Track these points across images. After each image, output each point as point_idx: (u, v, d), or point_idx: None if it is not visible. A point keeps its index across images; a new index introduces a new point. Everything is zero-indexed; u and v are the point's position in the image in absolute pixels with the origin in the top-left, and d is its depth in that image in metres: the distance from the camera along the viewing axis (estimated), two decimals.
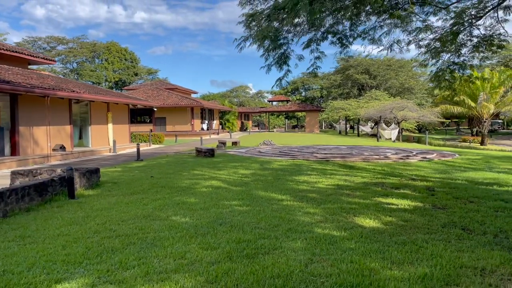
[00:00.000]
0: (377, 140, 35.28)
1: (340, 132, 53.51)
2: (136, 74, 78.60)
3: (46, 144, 18.30)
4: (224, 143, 23.58)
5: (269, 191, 8.56)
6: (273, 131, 62.17)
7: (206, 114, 50.74)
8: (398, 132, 38.20)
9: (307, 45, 13.07)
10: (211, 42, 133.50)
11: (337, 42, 13.38)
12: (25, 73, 19.72)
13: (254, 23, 11.03)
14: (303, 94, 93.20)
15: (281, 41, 10.37)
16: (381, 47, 11.22)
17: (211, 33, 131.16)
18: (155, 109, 31.98)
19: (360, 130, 47.20)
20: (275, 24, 11.34)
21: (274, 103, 72.54)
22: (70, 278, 3.81)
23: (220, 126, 57.14)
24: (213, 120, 53.86)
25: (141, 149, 25.43)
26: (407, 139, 40.22)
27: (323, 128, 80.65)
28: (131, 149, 24.47)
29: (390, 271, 3.91)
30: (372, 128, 45.92)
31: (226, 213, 6.46)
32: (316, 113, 58.91)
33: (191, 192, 8.51)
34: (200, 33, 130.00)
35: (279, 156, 17.10)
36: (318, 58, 14.52)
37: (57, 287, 3.63)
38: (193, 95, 60.80)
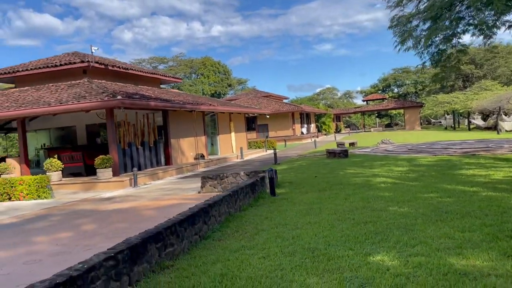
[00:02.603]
0: (497, 133, 33.05)
1: (446, 128, 50.80)
2: (229, 85, 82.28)
3: (189, 154, 20.34)
4: (342, 144, 24.00)
5: (451, 184, 8.87)
6: (370, 131, 60.94)
7: (304, 118, 51.52)
8: None
9: (448, 39, 13.15)
10: (286, 47, 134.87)
11: (479, 33, 13.23)
12: (162, 92, 22.12)
13: (409, 25, 11.44)
14: (396, 90, 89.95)
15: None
16: None
17: (285, 39, 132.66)
18: (268, 116, 33.54)
19: (471, 123, 44.42)
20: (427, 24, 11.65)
21: (366, 102, 70.99)
22: (375, 252, 4.61)
23: (317, 129, 57.53)
24: (310, 123, 54.47)
25: (258, 155, 26.94)
26: None
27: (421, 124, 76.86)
28: (255, 155, 25.97)
29: None
30: (485, 121, 42.97)
31: (436, 204, 6.96)
32: (416, 109, 56.64)
33: (374, 187, 9.13)
34: (274, 40, 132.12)
35: (413, 153, 17.10)
36: (460, 51, 14.45)
37: (372, 259, 4.43)
38: (284, 101, 62.05)
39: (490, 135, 31.02)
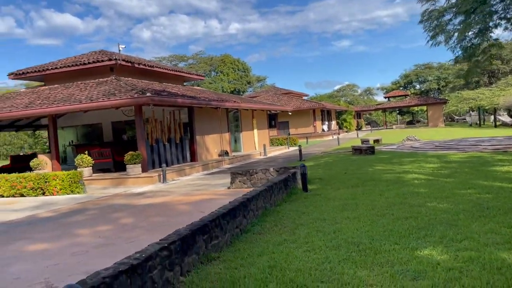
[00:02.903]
0: None
1: (471, 125, 49.79)
2: (248, 83, 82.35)
3: (213, 151, 20.50)
4: (367, 141, 23.80)
5: (487, 180, 8.73)
6: (392, 128, 60.19)
7: (325, 115, 51.22)
8: None
9: (483, 33, 12.88)
10: (304, 44, 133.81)
11: None
12: (187, 89, 22.33)
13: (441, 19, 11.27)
14: (417, 87, 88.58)
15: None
16: None
17: (303, 35, 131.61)
18: (290, 113, 33.58)
19: (497, 120, 43.43)
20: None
21: (385, 99, 70.09)
22: (421, 247, 4.59)
23: (337, 126, 57.12)
24: (331, 120, 54.13)
25: (281, 152, 26.94)
26: None
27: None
28: (277, 152, 26.00)
29: None
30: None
31: (475, 200, 6.87)
32: (439, 105, 55.66)
33: (408, 184, 9.05)
34: (292, 37, 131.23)
35: (442, 150, 16.85)
36: (493, 45, 14.12)
37: (419, 253, 4.42)
38: (304, 98, 61.80)
39: None
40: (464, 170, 10.55)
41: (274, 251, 4.90)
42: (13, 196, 13.20)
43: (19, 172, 14.38)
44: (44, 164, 15.82)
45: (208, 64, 78.75)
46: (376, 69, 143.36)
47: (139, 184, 13.82)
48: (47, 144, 28.50)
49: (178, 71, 24.80)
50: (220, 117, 21.50)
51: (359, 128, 64.54)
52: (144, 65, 20.48)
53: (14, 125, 22.42)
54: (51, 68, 19.22)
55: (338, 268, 4.14)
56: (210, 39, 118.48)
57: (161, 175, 14.17)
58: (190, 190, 11.56)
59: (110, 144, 18.80)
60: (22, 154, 29.76)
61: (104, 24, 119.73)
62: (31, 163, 15.66)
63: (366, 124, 76.34)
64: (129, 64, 19.04)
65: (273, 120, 45.67)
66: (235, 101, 20.54)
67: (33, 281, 4.72)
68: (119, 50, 18.42)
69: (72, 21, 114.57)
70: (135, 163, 14.30)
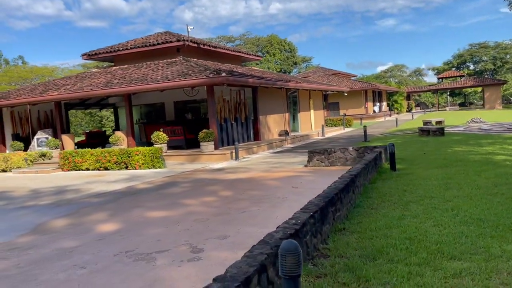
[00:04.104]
0: None
1: None
2: (295, 63, 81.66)
3: (274, 130, 20.78)
4: (429, 123, 23.23)
5: None
6: (446, 110, 58.02)
7: (376, 96, 50.11)
8: None
9: None
10: (346, 24, 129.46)
11: None
12: (249, 69, 22.56)
13: None
14: (471, 67, 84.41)
15: None
16: None
17: (345, 15, 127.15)
18: (346, 94, 33.19)
19: None
20: None
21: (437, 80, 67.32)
22: None
23: (388, 107, 55.78)
24: (382, 102, 52.91)
25: (338, 132, 26.82)
26: None
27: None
28: (334, 132, 25.94)
29: None
30: None
31: None
32: (497, 87, 52.95)
33: (501, 165, 8.90)
34: (334, 16, 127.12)
35: None
36: None
37: None
38: (352, 79, 60.56)
39: None
40: None
41: (400, 224, 5.07)
42: (98, 169, 14.12)
43: (93, 147, 15.37)
44: (122, 140, 16.71)
45: (255, 45, 78.63)
46: (421, 50, 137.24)
47: (213, 161, 14.35)
48: (114, 122, 29.75)
49: (238, 51, 25.11)
50: (280, 97, 21.66)
51: (409, 109, 62.71)
52: (209, 46, 20.92)
53: (85, 103, 23.67)
54: (122, 49, 20.04)
55: (480, 242, 4.26)
56: (250, 19, 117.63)
57: (233, 153, 14.62)
58: (268, 167, 11.89)
59: (176, 123, 19.50)
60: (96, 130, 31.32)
61: (147, 6, 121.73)
62: (110, 139, 16.60)
63: (416, 106, 73.97)
64: (195, 45, 19.51)
65: (324, 101, 45.27)
66: (297, 82, 20.59)
67: (175, 243, 5.17)
68: (188, 31, 18.89)
69: (117, 3, 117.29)
70: (208, 141, 14.83)
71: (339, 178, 6.47)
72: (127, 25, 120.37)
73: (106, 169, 14.03)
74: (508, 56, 75.57)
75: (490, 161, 9.43)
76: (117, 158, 13.84)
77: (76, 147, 18.61)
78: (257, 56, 27.18)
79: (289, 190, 8.20)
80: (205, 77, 14.31)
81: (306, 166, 11.64)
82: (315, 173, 10.31)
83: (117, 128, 23.92)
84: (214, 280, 2.76)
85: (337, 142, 19.24)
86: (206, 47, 20.50)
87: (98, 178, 12.13)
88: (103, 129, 44.87)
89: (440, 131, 16.84)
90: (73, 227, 6.33)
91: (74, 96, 16.90)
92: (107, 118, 51.89)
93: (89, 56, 21.09)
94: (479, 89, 63.98)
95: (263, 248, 3.33)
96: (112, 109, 27.14)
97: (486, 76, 72.94)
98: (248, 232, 5.45)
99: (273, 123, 20.83)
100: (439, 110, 58.37)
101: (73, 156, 14.55)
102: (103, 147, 18.54)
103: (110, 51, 20.46)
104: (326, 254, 4.26)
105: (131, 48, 19.87)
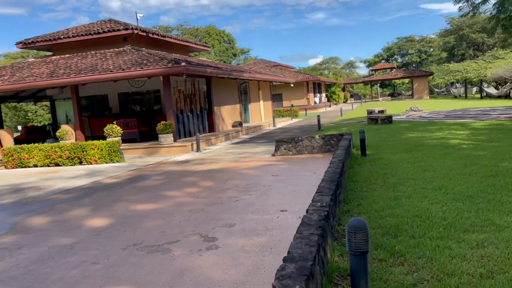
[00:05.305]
0: None
1: (456, 97, 51.27)
2: (234, 55, 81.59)
3: (228, 121, 20.71)
4: (372, 112, 24.41)
5: None
6: (379, 100, 61.33)
7: (316, 87, 51.67)
8: None
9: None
10: (278, 16, 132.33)
11: None
12: (196, 60, 22.19)
13: None
14: (399, 60, 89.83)
15: None
16: None
17: (277, 7, 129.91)
18: (292, 85, 33.74)
19: (483, 92, 44.93)
20: None
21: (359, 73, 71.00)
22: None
23: (327, 98, 57.77)
24: (322, 93, 54.67)
25: (287, 123, 27.34)
26: None
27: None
28: (284, 123, 26.39)
29: None
30: (497, 89, 43.49)
31: None
32: (425, 78, 56.94)
33: (459, 148, 9.63)
34: (266, 9, 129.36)
35: (453, 119, 17.61)
36: None
37: None
38: (291, 71, 61.91)
39: (508, 103, 31.54)
40: (499, 136, 11.23)
41: (400, 204, 5.33)
42: (48, 165, 13.20)
43: (34, 143, 14.31)
44: (70, 134, 15.72)
45: (193, 35, 77.24)
46: (350, 43, 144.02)
47: (173, 153, 14.00)
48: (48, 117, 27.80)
49: (187, 41, 24.53)
50: (233, 88, 21.60)
51: (345, 100, 65.43)
52: (157, 34, 20.24)
53: (18, 96, 21.89)
54: (63, 37, 18.76)
55: (482, 216, 4.61)
56: (182, 10, 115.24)
57: (193, 144, 14.37)
58: (236, 158, 11.85)
59: (125, 115, 18.75)
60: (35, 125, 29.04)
61: None
62: (57, 133, 15.55)
63: (350, 97, 77.37)
64: (144, 34, 18.78)
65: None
66: (250, 73, 20.64)
67: (181, 234, 5.02)
68: (137, 19, 18.10)
69: None
70: (167, 133, 14.42)
71: (330, 163, 6.64)
72: (47, 13, 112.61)
73: (57, 165, 13.15)
74: (432, 49, 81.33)
75: (448, 145, 10.17)
76: (70, 153, 13.01)
77: (14, 143, 17.18)
78: (205, 46, 26.74)
79: (271, 178, 8.25)
80: (163, 66, 13.86)
81: (273, 155, 11.76)
82: (286, 161, 10.46)
83: (54, 122, 22.47)
84: (285, 260, 2.74)
85: (291, 132, 19.60)
86: (155, 36, 19.82)
87: (53, 174, 11.34)
88: (30, 123, 41.91)
89: (388, 119, 17.81)
90: (58, 224, 5.88)
91: (14, 87, 15.56)
92: (35, 112, 48.43)
93: (25, 44, 19.46)
94: (407, 80, 68.46)
95: (310, 229, 3.35)
96: (46, 102, 25.38)
97: (412, 68, 78.07)
98: (252, 219, 5.42)
99: (227, 114, 20.74)
100: (372, 101, 61.54)
101: (18, 152, 13.44)
102: (43, 142, 17.34)
103: (50, 39, 19.05)
104: None
105: (73, 37, 18.64)
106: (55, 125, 21.56)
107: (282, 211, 5.70)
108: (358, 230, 2.76)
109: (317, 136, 11.52)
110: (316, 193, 4.68)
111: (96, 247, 4.71)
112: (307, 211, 3.95)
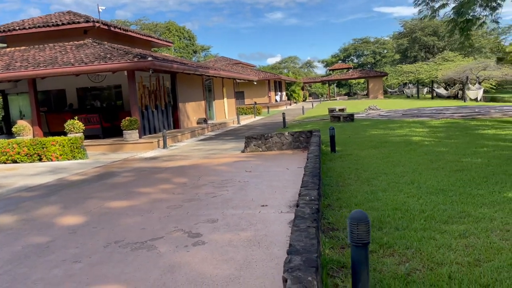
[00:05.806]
0: (464, 101, 35.59)
1: (408, 97, 53.44)
2: (195, 52, 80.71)
3: (193, 118, 20.47)
4: (333, 110, 24.98)
5: (489, 141, 9.98)
6: (336, 99, 62.80)
7: (277, 86, 52.13)
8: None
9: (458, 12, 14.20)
10: (237, 14, 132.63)
11: (486, 5, 14.47)
12: (160, 55, 21.77)
13: None
14: (355, 60, 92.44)
15: None
16: None
17: (236, 6, 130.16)
18: (255, 83, 33.74)
19: (434, 93, 47.15)
20: None
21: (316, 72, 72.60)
22: (505, 191, 5.44)
23: (287, 97, 58.42)
24: (282, 91, 55.23)
25: (251, 120, 27.41)
26: (491, 99, 39.89)
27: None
28: (247, 120, 26.43)
29: None
30: (447, 90, 45.81)
31: (499, 155, 7.97)
32: (380, 78, 58.90)
33: (422, 144, 10.06)
34: (225, 7, 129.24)
35: (410, 117, 18.36)
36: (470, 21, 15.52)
37: (510, 195, 5.26)
38: (253, 69, 62.15)
39: (458, 103, 33.34)
40: (456, 134, 11.84)
41: (377, 198, 5.49)
42: (5, 163, 12.48)
43: None
44: (28, 129, 14.93)
45: (152, 31, 75.53)
46: (307, 43, 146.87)
47: (139, 150, 13.66)
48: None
49: (149, 36, 23.98)
50: (197, 85, 21.37)
51: (304, 99, 66.48)
52: (120, 28, 19.65)
53: None
54: (18, 29, 17.79)
55: (457, 208, 4.84)
56: (139, 4, 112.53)
57: (160, 141, 14.10)
58: (205, 154, 11.74)
59: (84, 111, 18.07)
60: None
61: None
62: (13, 129, 14.72)
63: (309, 96, 78.75)
64: (106, 27, 18.18)
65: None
66: (215, 69, 20.49)
67: (163, 230, 4.92)
68: (99, 12, 17.47)
69: None
70: (132, 129, 14.05)
71: (308, 158, 6.73)
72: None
73: (14, 162, 12.46)
74: (385, 51, 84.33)
75: (411, 142, 10.60)
76: (29, 149, 12.36)
77: None
78: (168, 41, 26.27)
79: (245, 174, 8.24)
80: (129, 61, 13.47)
81: (243, 151, 11.75)
82: (257, 157, 10.48)
83: (7, 117, 21.29)
84: (289, 253, 2.75)
85: (255, 129, 19.67)
86: (117, 30, 19.22)
87: (11, 172, 10.74)
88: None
89: (350, 117, 18.29)
90: (28, 223, 5.58)
91: None
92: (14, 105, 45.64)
93: None
94: (362, 80, 70.62)
95: (305, 222, 3.39)
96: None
97: (368, 69, 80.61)
98: (234, 214, 5.40)
99: (192, 111, 20.50)
100: (330, 100, 62.93)
101: None
102: None
103: (4, 31, 17.99)
104: (333, 227, 4.45)
105: (29, 28, 17.72)
106: (8, 121, 20.44)
107: (263, 206, 5.71)
108: (360, 222, 2.82)
109: (286, 133, 11.63)
110: (301, 187, 4.73)
111: (75, 246, 4.51)
112: (297, 205, 3.99)
